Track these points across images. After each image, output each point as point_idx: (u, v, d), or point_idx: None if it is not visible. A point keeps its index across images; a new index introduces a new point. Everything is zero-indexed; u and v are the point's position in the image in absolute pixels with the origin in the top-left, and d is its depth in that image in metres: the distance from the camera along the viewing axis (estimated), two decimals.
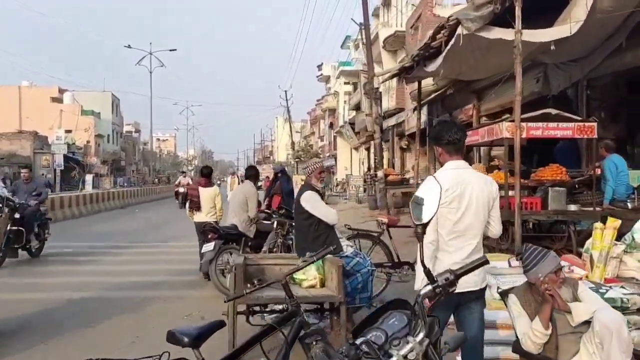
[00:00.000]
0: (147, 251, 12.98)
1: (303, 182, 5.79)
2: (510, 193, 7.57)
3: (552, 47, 7.52)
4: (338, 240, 5.36)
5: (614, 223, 6.39)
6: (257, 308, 5.00)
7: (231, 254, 7.72)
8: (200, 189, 9.13)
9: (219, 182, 73.82)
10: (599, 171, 8.40)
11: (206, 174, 9.65)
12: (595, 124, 7.37)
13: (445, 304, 2.96)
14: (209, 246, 7.42)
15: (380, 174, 16.81)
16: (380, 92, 18.52)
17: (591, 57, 9.73)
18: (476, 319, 3.52)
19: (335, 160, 44.53)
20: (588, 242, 6.83)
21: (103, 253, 12.33)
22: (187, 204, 9.37)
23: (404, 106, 25.46)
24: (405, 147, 25.00)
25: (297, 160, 43.54)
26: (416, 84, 24.67)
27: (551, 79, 11.13)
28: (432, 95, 19.49)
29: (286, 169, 10.90)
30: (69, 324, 6.38)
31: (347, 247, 5.42)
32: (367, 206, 22.74)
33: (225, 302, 4.11)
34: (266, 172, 26.47)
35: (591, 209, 7.48)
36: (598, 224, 6.35)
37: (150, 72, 49.06)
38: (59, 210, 20.39)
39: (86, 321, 6.51)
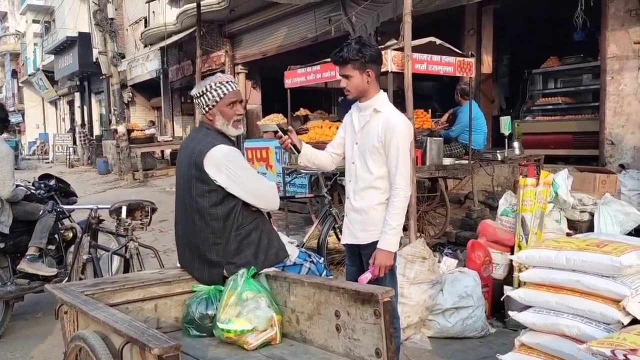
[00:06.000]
0: None
1: (198, 124, 2.82)
2: None
3: None
4: (279, 238, 2.77)
5: (546, 178, 5.31)
6: None
7: None
8: None
9: None
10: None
11: None
12: (473, 60, 6.15)
13: None
14: None
15: (121, 128, 13.27)
16: (117, 25, 14.63)
17: None
18: None
19: (23, 117, 36.49)
20: (503, 203, 5.68)
21: None
22: None
23: (124, 51, 21.71)
24: (129, 100, 21.32)
25: None
26: (143, 24, 21.29)
27: (353, 18, 9.76)
28: (175, 38, 16.47)
29: None
30: None
31: (290, 245, 2.84)
32: (91, 170, 18.58)
33: None
34: None
35: (465, 161, 6.34)
36: (529, 180, 5.16)
37: None
38: None
39: None
